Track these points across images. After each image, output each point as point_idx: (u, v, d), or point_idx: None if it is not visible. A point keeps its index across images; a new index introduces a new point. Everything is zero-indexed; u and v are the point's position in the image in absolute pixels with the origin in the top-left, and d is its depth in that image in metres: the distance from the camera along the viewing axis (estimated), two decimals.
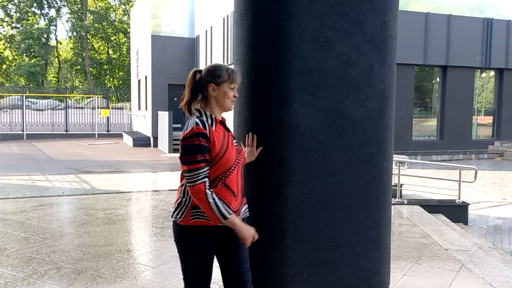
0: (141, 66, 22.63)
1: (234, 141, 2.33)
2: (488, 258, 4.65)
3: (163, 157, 15.65)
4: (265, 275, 2.98)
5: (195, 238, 2.21)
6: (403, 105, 16.40)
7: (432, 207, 7.38)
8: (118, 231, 5.48)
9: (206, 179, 2.09)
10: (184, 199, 2.21)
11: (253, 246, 3.03)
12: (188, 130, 2.10)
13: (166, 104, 19.51)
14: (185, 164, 2.09)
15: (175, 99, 20.12)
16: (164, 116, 17.45)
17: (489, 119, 18.94)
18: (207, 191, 2.07)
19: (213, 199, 2.08)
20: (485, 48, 17.54)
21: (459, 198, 7.58)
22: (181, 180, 2.23)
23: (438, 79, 17.99)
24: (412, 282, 3.93)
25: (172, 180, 11.09)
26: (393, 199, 7.71)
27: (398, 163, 8.58)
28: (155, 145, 19.08)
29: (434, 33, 16.62)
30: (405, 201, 7.71)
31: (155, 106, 19.34)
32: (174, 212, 2.25)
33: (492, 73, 18.89)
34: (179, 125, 19.48)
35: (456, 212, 7.32)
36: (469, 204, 7.63)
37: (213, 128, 2.16)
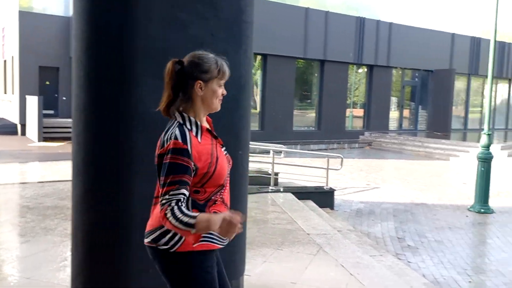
0: (7, 46, 20.26)
1: (223, 148, 1.96)
2: (344, 240, 4.96)
3: (32, 147, 14.20)
4: (107, 273, 2.74)
5: (206, 256, 1.86)
6: (284, 97, 17.05)
7: (303, 194, 7.74)
8: None
9: (174, 203, 1.70)
10: None
11: (93, 244, 2.79)
12: (165, 146, 1.73)
13: (37, 88, 17.73)
14: (161, 187, 1.73)
15: (47, 82, 18.40)
16: (33, 101, 15.85)
17: (362, 112, 20.59)
18: (164, 219, 1.70)
19: (175, 217, 1.68)
20: (358, 45, 18.98)
21: (327, 185, 8.05)
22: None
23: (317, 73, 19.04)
24: (271, 268, 4.00)
25: (42, 171, 10.10)
26: (268, 187, 7.92)
27: (273, 152, 8.83)
28: (23, 133, 17.29)
29: (313, 28, 17.49)
30: (281, 189, 7.96)
31: (23, 90, 17.45)
32: (161, 238, 1.82)
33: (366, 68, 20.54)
34: (51, 111, 17.86)
35: (323, 197, 7.77)
36: (335, 190, 8.15)
37: (198, 138, 1.81)
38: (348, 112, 19.77)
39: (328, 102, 18.41)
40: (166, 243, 1.82)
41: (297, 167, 10.17)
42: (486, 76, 8.65)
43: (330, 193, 7.88)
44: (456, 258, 5.51)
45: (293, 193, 7.57)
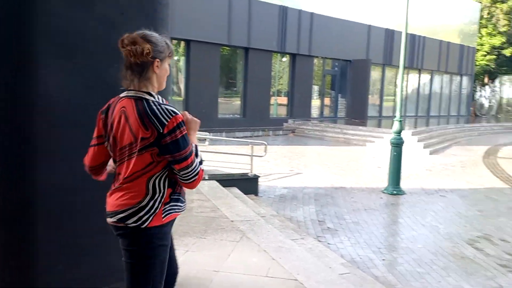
0: None
1: None
2: (267, 226, 5.01)
3: None
4: (11, 272, 2.51)
5: (167, 235, 1.94)
6: (209, 84, 16.87)
7: (228, 181, 7.71)
8: None
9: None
10: (153, 198, 1.86)
11: None
12: (168, 124, 1.77)
13: None
14: (179, 162, 1.81)
15: None
16: None
17: (286, 100, 21.00)
18: (201, 172, 1.90)
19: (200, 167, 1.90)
20: (281, 34, 19.25)
21: (251, 171, 8.11)
22: (139, 174, 1.84)
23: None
24: (194, 258, 3.93)
25: None
26: None
27: (198, 140, 8.71)
28: None
29: (237, 15, 17.42)
30: (206, 177, 7.87)
31: None
32: (130, 218, 1.85)
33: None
34: None
35: (248, 184, 7.81)
36: (260, 176, 8.24)
37: None
38: (272, 100, 20.06)
39: (253, 90, 18.53)
40: (135, 221, 1.84)
41: (222, 155, 10.13)
42: (399, 67, 9.18)
43: (254, 179, 7.94)
44: (371, 238, 5.82)
45: (218, 180, 7.52)
